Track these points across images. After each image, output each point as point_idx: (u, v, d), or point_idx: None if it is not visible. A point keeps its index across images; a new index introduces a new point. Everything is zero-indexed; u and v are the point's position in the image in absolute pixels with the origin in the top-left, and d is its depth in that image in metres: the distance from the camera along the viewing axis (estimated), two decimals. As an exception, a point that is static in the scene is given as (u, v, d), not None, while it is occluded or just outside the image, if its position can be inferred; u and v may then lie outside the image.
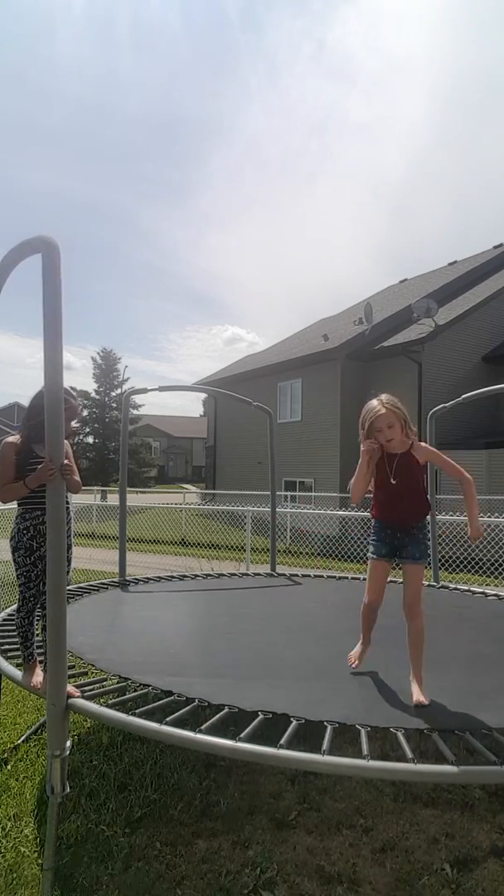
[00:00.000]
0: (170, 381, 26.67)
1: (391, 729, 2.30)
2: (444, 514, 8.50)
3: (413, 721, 2.36)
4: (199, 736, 2.18)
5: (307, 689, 2.71)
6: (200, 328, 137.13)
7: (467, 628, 4.10)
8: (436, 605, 4.75)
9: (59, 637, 2.29)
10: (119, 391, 29.78)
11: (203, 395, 36.37)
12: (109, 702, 2.57)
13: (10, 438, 2.97)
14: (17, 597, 3.01)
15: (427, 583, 5.53)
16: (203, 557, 11.24)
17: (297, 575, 6.08)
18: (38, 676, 2.95)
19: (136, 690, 2.67)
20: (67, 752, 2.28)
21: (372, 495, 2.76)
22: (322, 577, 6.01)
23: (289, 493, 15.99)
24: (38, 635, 3.05)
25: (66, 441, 2.56)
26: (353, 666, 2.89)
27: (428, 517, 2.72)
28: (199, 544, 12.50)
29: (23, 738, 3.58)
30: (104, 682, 2.83)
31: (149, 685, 2.68)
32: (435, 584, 5.52)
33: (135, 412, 26.58)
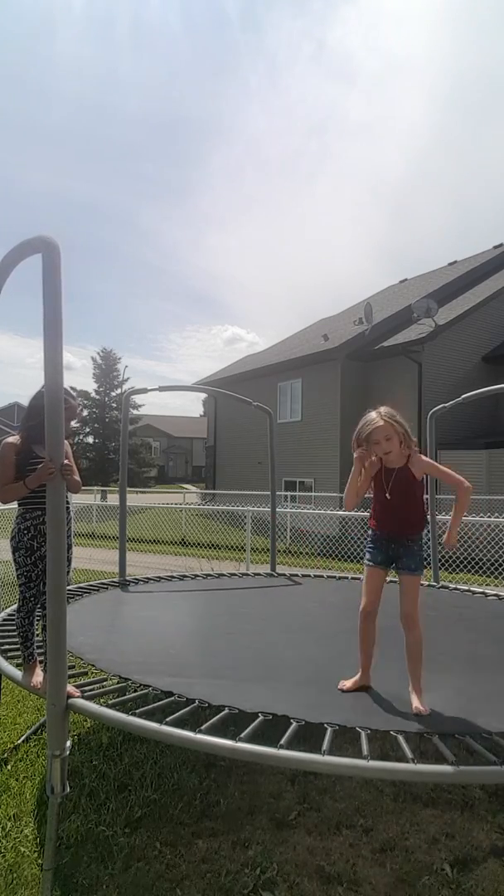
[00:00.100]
0: (170, 381, 26.67)
1: (391, 732, 2.29)
2: (444, 514, 8.50)
3: (413, 725, 2.35)
4: (199, 736, 2.18)
5: (307, 693, 2.70)
6: (200, 328, 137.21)
7: (467, 629, 4.10)
8: (436, 605, 4.75)
9: (59, 637, 2.29)
10: (119, 391, 29.77)
11: (203, 395, 36.38)
12: (109, 702, 2.57)
13: (10, 439, 2.97)
14: (18, 597, 3.01)
15: (427, 583, 5.53)
16: (203, 557, 11.24)
17: (297, 575, 6.08)
18: (38, 676, 2.95)
19: (136, 691, 2.68)
20: (67, 752, 2.28)
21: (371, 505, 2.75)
22: (322, 577, 6.01)
23: (289, 493, 15.98)
24: (38, 635, 3.05)
25: (65, 441, 2.56)
26: (342, 689, 2.71)
27: (425, 528, 2.70)
28: (199, 544, 12.50)
29: (23, 738, 3.58)
30: (104, 683, 2.83)
31: (149, 686, 2.68)
32: (435, 584, 5.52)
33: (135, 412, 26.58)
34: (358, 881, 2.35)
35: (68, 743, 2.30)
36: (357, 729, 2.27)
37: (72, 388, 5.24)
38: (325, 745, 2.12)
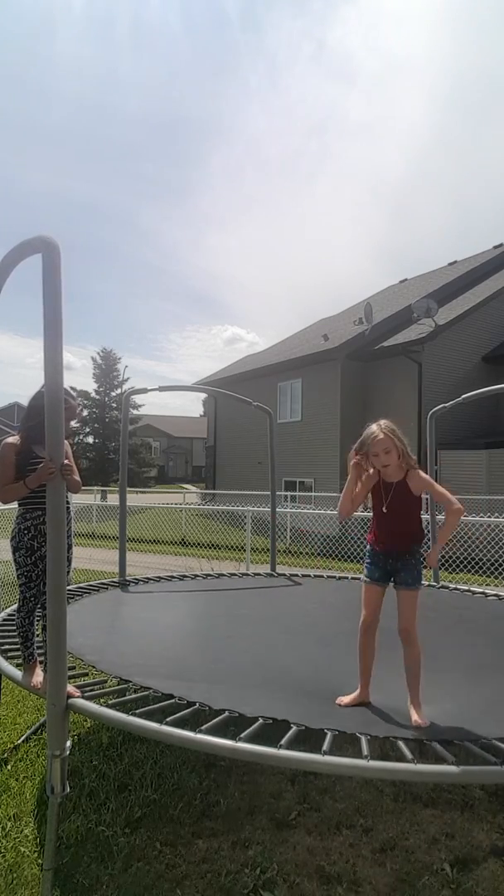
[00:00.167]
0: (170, 381, 26.67)
1: (391, 738, 2.28)
2: (443, 514, 8.49)
3: (413, 732, 2.34)
4: (200, 736, 2.18)
5: (308, 700, 2.68)
6: (200, 328, 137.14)
7: (467, 630, 4.09)
8: (436, 605, 4.75)
9: (60, 637, 2.29)
10: (119, 391, 29.76)
11: (203, 395, 36.38)
12: (110, 702, 2.57)
13: (10, 439, 2.97)
14: (18, 597, 3.01)
15: (427, 583, 5.53)
16: (203, 557, 11.24)
17: (297, 575, 6.08)
18: (38, 676, 2.95)
19: (136, 693, 2.67)
20: (67, 752, 2.28)
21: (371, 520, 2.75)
22: (322, 577, 6.01)
23: (289, 493, 15.98)
24: (38, 635, 3.05)
25: (65, 441, 2.56)
26: (339, 704, 2.66)
27: (423, 543, 2.69)
28: (199, 544, 12.50)
29: (23, 738, 3.58)
30: (104, 684, 2.83)
31: (149, 688, 2.68)
32: (435, 584, 5.52)
33: (135, 412, 26.57)
34: (358, 881, 2.35)
35: (68, 743, 2.30)
36: (357, 734, 2.26)
37: (72, 388, 5.24)
38: (325, 746, 2.12)
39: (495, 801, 2.92)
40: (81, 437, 28.72)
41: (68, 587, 3.21)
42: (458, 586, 5.56)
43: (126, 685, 2.78)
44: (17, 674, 2.97)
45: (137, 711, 2.40)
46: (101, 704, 2.48)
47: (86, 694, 2.56)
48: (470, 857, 2.49)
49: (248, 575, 6.15)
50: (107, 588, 5.02)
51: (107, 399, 30.15)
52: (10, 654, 3.16)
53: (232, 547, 11.47)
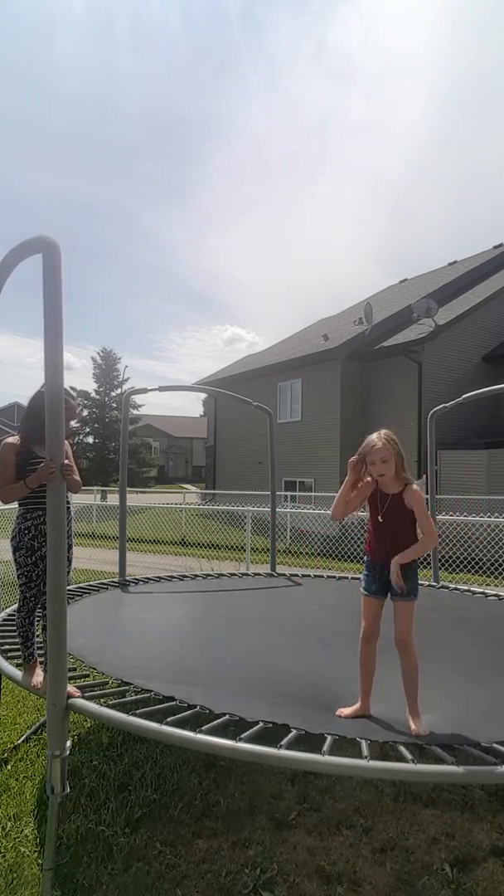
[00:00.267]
0: (170, 381, 26.69)
1: (391, 743, 2.28)
2: (443, 514, 8.51)
3: (413, 738, 2.32)
4: (200, 736, 2.18)
5: (308, 701, 2.67)
6: (200, 328, 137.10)
7: (467, 631, 4.09)
8: (436, 605, 4.75)
9: (60, 637, 2.29)
10: (119, 391, 29.75)
11: (203, 395, 36.37)
12: (110, 702, 2.57)
13: (10, 439, 2.97)
14: (18, 597, 3.01)
15: (427, 583, 5.53)
16: (203, 557, 11.24)
17: (297, 575, 6.08)
18: (39, 676, 2.95)
19: (136, 695, 2.67)
20: (67, 752, 2.28)
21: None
22: (322, 577, 6.02)
23: (289, 493, 15.98)
24: (38, 635, 3.05)
25: (66, 441, 2.56)
26: (340, 716, 2.63)
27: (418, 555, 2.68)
28: (199, 544, 12.50)
29: (23, 738, 3.58)
30: (104, 686, 2.83)
31: (150, 691, 2.67)
32: (435, 584, 5.52)
33: (135, 412, 26.57)
34: (358, 881, 2.35)
35: (68, 743, 2.30)
36: (357, 739, 2.26)
37: (72, 388, 5.25)
38: (325, 746, 2.12)
39: (495, 801, 2.92)
40: (81, 437, 28.71)
41: (68, 587, 3.21)
42: (458, 586, 5.56)
43: (127, 687, 2.78)
44: (17, 674, 2.97)
45: (138, 712, 2.40)
46: (102, 705, 2.48)
47: (85, 695, 2.56)
48: (470, 857, 2.49)
49: (248, 575, 6.15)
50: (107, 588, 5.02)
51: (107, 399, 30.14)
52: (10, 654, 3.16)
53: (232, 547, 11.47)
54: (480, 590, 5.28)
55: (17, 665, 3.04)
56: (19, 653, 3.04)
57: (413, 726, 2.44)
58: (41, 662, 2.98)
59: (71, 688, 2.47)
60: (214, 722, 2.30)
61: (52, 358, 2.24)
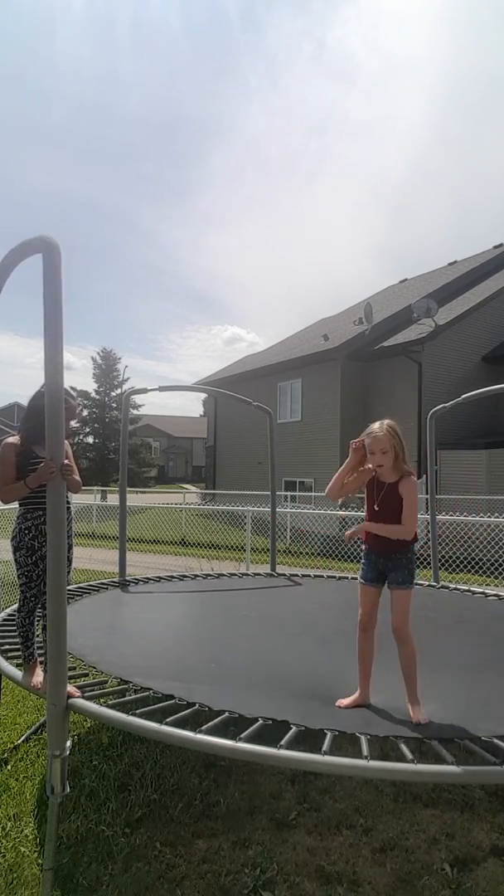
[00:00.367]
0: (170, 381, 26.65)
1: (391, 738, 2.28)
2: (443, 514, 8.51)
3: (413, 731, 2.34)
4: (200, 736, 2.18)
5: (307, 701, 2.67)
6: (200, 328, 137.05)
7: (467, 630, 4.09)
8: (436, 605, 4.75)
9: (60, 637, 2.29)
10: (119, 391, 29.75)
11: (203, 395, 36.38)
12: (110, 702, 2.57)
13: (11, 439, 2.97)
14: (18, 596, 3.01)
15: (427, 583, 5.53)
16: (203, 557, 11.24)
17: (297, 575, 6.08)
18: (39, 676, 2.95)
19: (136, 693, 2.67)
20: (67, 752, 2.28)
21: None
22: (322, 577, 6.02)
23: (289, 493, 15.98)
24: (38, 635, 3.05)
25: (66, 441, 2.56)
26: (339, 706, 2.65)
27: (415, 545, 2.69)
28: (199, 544, 12.50)
29: (23, 738, 3.58)
30: (104, 685, 2.83)
31: (150, 689, 2.68)
32: (435, 584, 5.53)
33: (135, 412, 26.57)
34: (358, 881, 2.35)
35: (68, 743, 2.30)
36: (357, 735, 2.26)
37: (72, 388, 5.25)
38: (325, 746, 2.12)
39: (495, 801, 2.92)
40: (81, 437, 28.72)
41: (68, 587, 3.21)
42: (458, 586, 5.56)
43: (126, 686, 2.78)
44: (17, 674, 2.97)
45: (138, 711, 2.40)
46: (102, 704, 2.48)
47: (86, 694, 2.56)
48: (470, 857, 2.49)
49: (248, 575, 6.15)
50: (107, 588, 5.02)
51: (107, 399, 30.14)
52: (10, 654, 3.16)
53: (232, 547, 11.47)
54: (480, 590, 5.28)
55: (17, 665, 3.03)
56: (19, 653, 3.04)
57: (413, 714, 2.46)
58: (41, 662, 2.97)
59: (71, 688, 2.47)
60: (214, 721, 2.30)
61: (52, 358, 2.24)
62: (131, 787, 2.99)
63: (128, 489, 5.89)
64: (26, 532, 2.94)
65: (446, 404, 5.50)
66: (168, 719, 2.28)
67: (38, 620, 3.05)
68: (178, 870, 2.40)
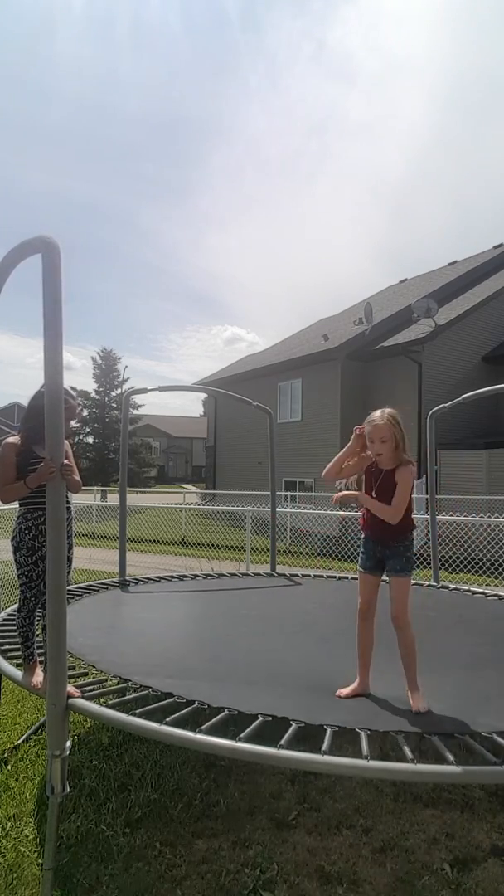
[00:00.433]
0: (170, 381, 26.64)
1: (391, 733, 2.29)
2: (443, 514, 8.51)
3: (413, 726, 2.35)
4: (199, 736, 2.18)
5: (307, 695, 2.69)
6: (200, 328, 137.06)
7: (467, 630, 4.09)
8: (436, 605, 4.75)
9: (59, 637, 2.29)
10: (119, 391, 29.76)
11: (203, 395, 36.37)
12: (110, 702, 2.57)
13: (11, 439, 2.98)
14: (18, 596, 3.01)
15: (427, 583, 5.53)
16: (203, 557, 11.24)
17: (297, 575, 6.08)
18: (38, 676, 2.95)
19: (136, 692, 2.68)
20: (67, 752, 2.28)
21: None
22: (322, 577, 6.01)
23: (289, 493, 15.98)
24: (38, 635, 3.05)
25: (66, 441, 2.56)
26: (339, 696, 2.68)
27: (412, 533, 2.70)
28: (199, 544, 12.50)
29: (23, 738, 3.58)
30: (104, 684, 2.83)
31: (149, 687, 2.68)
32: (435, 584, 5.52)
33: (135, 412, 26.57)
34: (358, 881, 2.35)
35: (68, 743, 2.30)
36: (356, 730, 2.27)
37: (72, 388, 5.25)
38: (324, 746, 2.12)
39: (495, 801, 2.92)
40: (81, 437, 28.72)
41: (68, 587, 3.21)
42: (458, 586, 5.55)
43: (126, 684, 2.78)
44: (17, 674, 2.96)
45: (137, 711, 2.40)
46: (101, 704, 2.48)
47: (86, 693, 2.56)
48: (470, 857, 2.49)
49: (248, 575, 6.15)
50: (107, 588, 5.02)
51: (107, 399, 30.15)
52: (10, 654, 3.16)
53: (232, 547, 11.47)
54: (480, 590, 5.28)
55: (17, 665, 3.03)
56: (19, 653, 3.04)
57: (413, 703, 2.48)
58: (41, 662, 2.97)
59: (71, 688, 2.47)
60: (214, 720, 2.30)
61: (52, 358, 2.24)
62: (131, 787, 2.99)
63: (128, 489, 5.89)
64: (26, 532, 2.94)
65: (446, 404, 5.49)
66: (168, 719, 2.28)
67: (38, 620, 3.05)
68: (178, 870, 2.40)
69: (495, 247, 19.68)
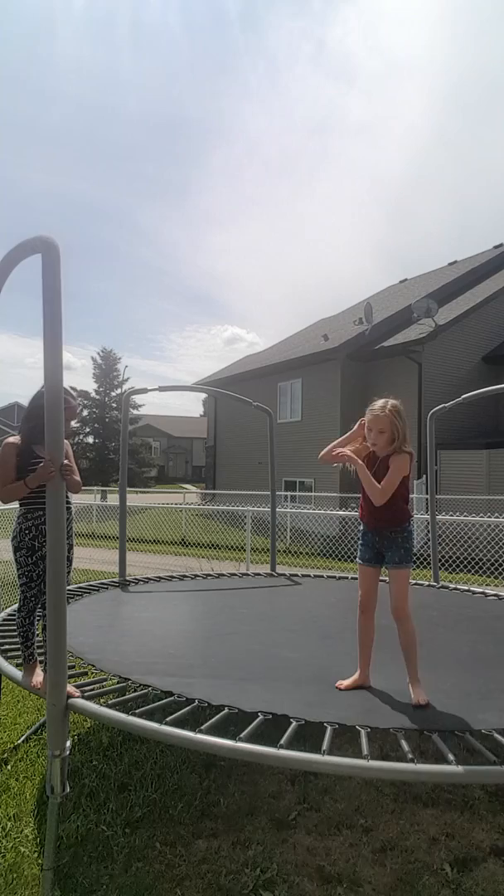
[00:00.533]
0: (170, 381, 26.69)
1: (391, 730, 2.30)
2: (443, 514, 8.51)
3: (413, 722, 2.36)
4: (199, 736, 2.18)
5: (307, 691, 2.71)
6: (200, 328, 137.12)
7: (467, 629, 4.10)
8: (436, 605, 4.75)
9: (59, 637, 2.29)
10: (119, 391, 29.75)
11: (203, 395, 36.37)
12: (109, 702, 2.57)
13: (11, 439, 2.98)
14: (18, 596, 3.01)
15: (427, 583, 5.54)
16: (203, 557, 11.24)
17: (297, 575, 6.08)
18: (38, 676, 2.95)
19: (136, 691, 2.68)
20: (67, 752, 2.28)
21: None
22: (322, 577, 6.02)
23: (289, 493, 15.98)
24: (38, 635, 3.05)
25: (66, 441, 2.56)
26: (339, 687, 2.72)
27: (409, 523, 2.71)
28: (199, 544, 12.50)
29: (23, 738, 3.58)
30: (104, 683, 2.83)
31: (149, 686, 2.68)
32: (435, 584, 5.53)
33: (135, 412, 26.56)
34: (358, 881, 2.35)
35: (68, 743, 2.30)
36: (357, 728, 2.27)
37: (72, 388, 5.24)
38: (325, 745, 2.12)
39: (495, 801, 2.92)
40: (81, 437, 28.73)
41: (68, 587, 3.21)
42: (458, 586, 5.55)
43: (125, 683, 2.78)
44: (17, 674, 2.96)
45: (137, 711, 2.40)
46: (101, 704, 2.48)
47: (85, 693, 2.56)
48: (470, 857, 2.49)
49: (248, 575, 6.15)
50: (107, 588, 5.02)
51: (107, 399, 30.14)
52: (10, 654, 3.16)
53: (232, 547, 11.47)
54: (480, 590, 5.28)
55: (17, 665, 3.03)
56: (19, 653, 3.04)
57: (413, 695, 2.49)
58: (41, 662, 2.97)
59: (71, 688, 2.47)
60: (213, 720, 2.30)
61: (52, 358, 2.24)
62: (131, 787, 2.99)
63: (128, 489, 5.89)
64: (27, 532, 2.94)
65: (446, 404, 5.50)
66: (168, 719, 2.28)
67: (38, 620, 3.05)
68: (178, 870, 2.40)
69: (495, 247, 19.68)
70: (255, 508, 9.60)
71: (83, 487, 4.98)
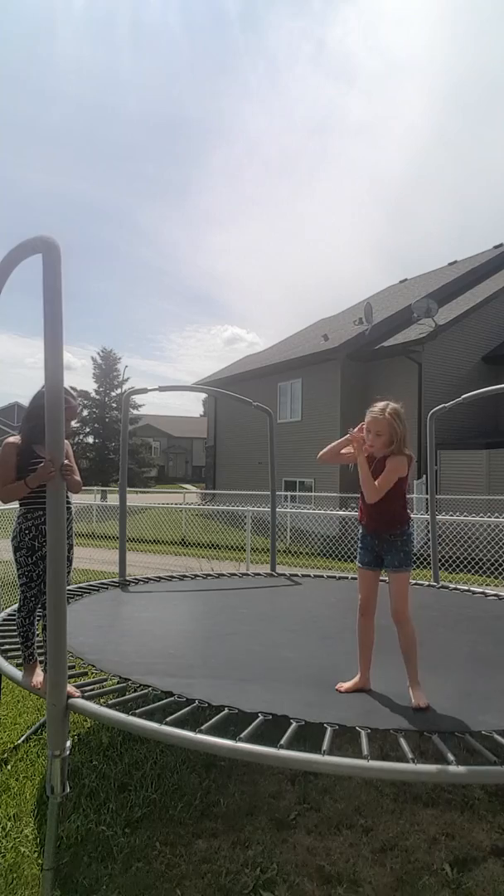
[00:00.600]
0: (170, 381, 26.70)
1: (391, 731, 2.30)
2: (443, 514, 8.51)
3: (413, 723, 2.36)
4: (199, 736, 2.18)
5: (307, 692, 2.71)
6: (200, 328, 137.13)
7: (467, 629, 4.10)
8: (436, 605, 4.75)
9: (59, 637, 2.29)
10: (119, 391, 29.74)
11: (203, 395, 36.37)
12: (109, 702, 2.57)
13: (11, 439, 2.98)
14: (18, 596, 3.01)
15: (427, 583, 5.54)
16: (203, 557, 11.24)
17: (297, 575, 6.08)
18: (39, 676, 2.95)
19: (136, 691, 2.68)
20: (67, 752, 2.28)
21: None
22: (322, 577, 6.02)
23: (289, 493, 15.98)
24: (38, 635, 3.05)
25: (66, 441, 2.56)
26: (339, 690, 2.71)
27: (408, 526, 2.71)
28: (199, 544, 12.50)
29: (23, 738, 3.58)
30: (104, 683, 2.83)
31: (149, 686, 2.68)
32: (435, 584, 5.53)
33: (135, 412, 26.55)
34: (358, 881, 2.35)
35: (68, 743, 2.30)
36: (357, 728, 2.27)
37: (72, 388, 5.23)
38: (325, 745, 2.12)
39: (495, 801, 2.92)
40: (81, 437, 28.72)
41: (68, 587, 3.21)
42: (458, 586, 5.55)
43: (125, 683, 2.78)
44: (17, 674, 2.96)
45: (137, 711, 2.40)
46: (101, 704, 2.48)
47: (85, 693, 2.56)
48: (470, 857, 2.49)
49: (248, 575, 6.15)
50: (107, 588, 5.02)
51: (107, 399, 30.14)
52: (10, 654, 3.16)
53: (232, 547, 11.47)
54: (480, 590, 5.28)
55: (17, 665, 3.03)
56: (19, 653, 3.04)
57: (413, 698, 2.48)
58: (41, 662, 2.97)
59: (71, 688, 2.47)
60: (213, 720, 2.30)
61: (52, 358, 2.24)
62: (131, 787, 2.99)
63: (128, 489, 5.89)
64: (27, 532, 2.94)
65: (446, 404, 5.50)
66: (168, 719, 2.28)
67: (38, 620, 3.05)
68: (178, 870, 2.40)
69: (495, 247, 19.68)
70: (255, 508, 9.60)
71: (83, 487, 4.98)
